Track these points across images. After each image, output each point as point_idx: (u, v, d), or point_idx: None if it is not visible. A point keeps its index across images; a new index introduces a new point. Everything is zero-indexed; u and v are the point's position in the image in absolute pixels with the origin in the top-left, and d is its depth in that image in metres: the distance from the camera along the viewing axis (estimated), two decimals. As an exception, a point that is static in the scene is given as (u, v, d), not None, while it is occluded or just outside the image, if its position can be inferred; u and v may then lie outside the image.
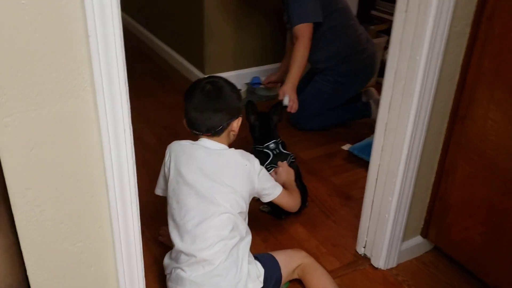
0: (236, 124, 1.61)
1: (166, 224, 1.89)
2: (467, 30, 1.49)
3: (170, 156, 1.62)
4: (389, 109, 1.58)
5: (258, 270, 1.58)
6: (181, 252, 1.52)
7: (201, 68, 3.11)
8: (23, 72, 0.91)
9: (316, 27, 2.51)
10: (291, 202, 1.78)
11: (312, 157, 2.53)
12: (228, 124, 1.58)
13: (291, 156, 2.09)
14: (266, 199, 1.69)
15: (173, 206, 1.57)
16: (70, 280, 1.17)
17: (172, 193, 1.58)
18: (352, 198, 2.20)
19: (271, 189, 1.67)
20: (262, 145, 2.10)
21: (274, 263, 1.64)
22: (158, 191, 1.73)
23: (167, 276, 1.59)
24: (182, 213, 1.53)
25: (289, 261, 1.68)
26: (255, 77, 3.14)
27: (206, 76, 1.63)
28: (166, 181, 1.64)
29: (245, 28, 3.09)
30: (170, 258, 1.61)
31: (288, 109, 2.43)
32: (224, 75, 3.11)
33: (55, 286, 1.15)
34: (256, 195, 1.67)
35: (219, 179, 1.53)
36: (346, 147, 2.60)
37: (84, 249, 1.15)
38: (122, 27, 0.98)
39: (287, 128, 2.79)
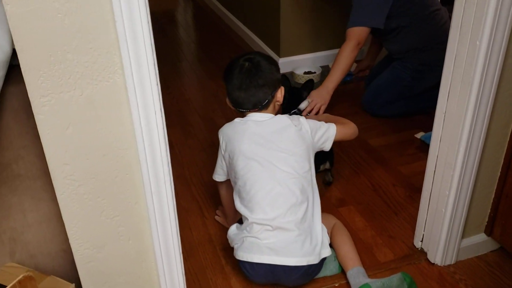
0: (279, 94, 1.65)
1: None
2: (539, 12, 1.34)
3: (223, 139, 1.66)
4: (448, 97, 1.48)
5: (328, 238, 1.62)
6: (253, 223, 1.55)
7: (277, 50, 3.11)
8: (55, 56, 0.97)
9: (389, 21, 2.37)
10: (349, 130, 1.79)
11: (383, 144, 2.44)
12: (273, 96, 1.62)
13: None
14: (327, 146, 1.69)
15: (238, 183, 1.61)
16: (110, 250, 1.25)
17: (235, 173, 1.62)
18: (418, 189, 2.08)
19: (326, 133, 1.68)
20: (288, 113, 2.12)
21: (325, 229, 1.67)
22: (216, 177, 1.78)
23: (235, 246, 1.62)
24: (248, 187, 1.58)
25: (328, 226, 1.72)
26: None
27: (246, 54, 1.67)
28: (225, 165, 1.69)
29: (321, 10, 3.03)
30: (239, 229, 1.64)
31: (303, 114, 2.22)
32: (299, 57, 3.12)
33: (95, 256, 1.24)
34: (318, 149, 1.69)
35: (275, 145, 1.57)
36: (419, 135, 2.48)
37: (122, 223, 1.22)
38: (149, 12, 1.01)
39: (360, 113, 2.73)
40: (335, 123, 1.76)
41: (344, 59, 2.33)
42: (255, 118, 1.63)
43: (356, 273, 1.60)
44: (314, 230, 1.59)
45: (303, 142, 1.61)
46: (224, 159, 1.68)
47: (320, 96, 2.28)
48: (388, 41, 2.58)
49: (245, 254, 1.57)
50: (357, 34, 2.33)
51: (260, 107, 1.61)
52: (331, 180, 2.14)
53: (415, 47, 2.50)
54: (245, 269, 1.59)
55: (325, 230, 1.64)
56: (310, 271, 1.59)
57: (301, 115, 2.09)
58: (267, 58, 1.65)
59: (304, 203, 1.57)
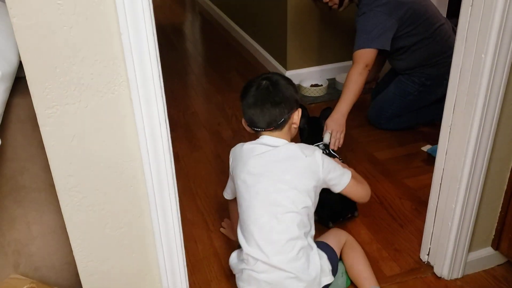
0: (296, 116, 1.58)
1: (229, 216, 1.95)
2: (545, 24, 1.34)
3: (232, 159, 1.63)
4: (454, 110, 1.48)
5: (329, 264, 1.57)
6: (249, 255, 1.51)
7: (284, 63, 3.12)
8: (60, 68, 0.98)
9: (395, 42, 2.36)
10: (362, 191, 1.66)
11: (389, 157, 2.43)
12: (289, 116, 1.55)
13: (339, 159, 1.99)
14: (336, 190, 1.60)
15: (240, 209, 1.57)
16: (114, 263, 1.25)
17: (237, 195, 1.59)
18: (424, 202, 2.05)
19: (338, 178, 1.58)
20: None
21: (331, 250, 1.62)
22: (225, 194, 1.76)
23: (237, 276, 1.60)
24: (245, 216, 1.54)
25: (339, 243, 1.68)
26: None
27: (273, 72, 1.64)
28: (233, 185, 1.65)
29: (328, 23, 3.05)
30: (239, 259, 1.60)
31: (331, 147, 2.10)
32: (306, 70, 3.13)
33: (99, 268, 1.23)
34: (325, 186, 1.60)
35: (278, 176, 1.50)
36: (425, 148, 2.46)
37: (126, 236, 1.22)
38: (154, 24, 1.02)
39: (366, 126, 2.72)
40: (334, 233, 1.72)
41: (353, 83, 2.23)
42: (266, 141, 1.55)
43: None
44: (311, 262, 1.51)
45: (309, 176, 1.52)
46: (232, 179, 1.66)
47: (337, 124, 2.15)
48: (394, 60, 2.58)
49: (244, 285, 1.55)
50: (364, 56, 2.29)
51: (275, 125, 1.53)
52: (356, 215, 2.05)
53: (421, 64, 2.49)
54: None
55: (325, 257, 1.56)
56: None
57: (329, 149, 2.04)
58: (286, 79, 1.60)
59: (300, 238, 1.49)
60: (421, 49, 2.44)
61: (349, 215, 2.01)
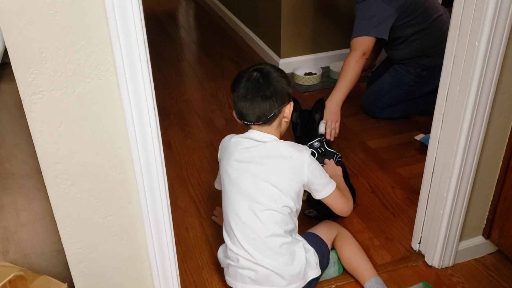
0: (288, 109, 1.53)
1: (220, 204, 1.94)
2: (538, 12, 1.33)
3: (220, 150, 1.61)
4: (446, 98, 1.47)
5: (315, 257, 1.56)
6: (232, 252, 1.51)
7: (277, 51, 3.10)
8: (46, 53, 0.96)
9: (393, 31, 2.34)
10: (343, 205, 1.59)
11: (382, 146, 2.43)
12: (279, 111, 1.50)
13: (337, 155, 1.97)
14: (316, 196, 1.55)
15: (223, 202, 1.56)
16: (103, 250, 1.24)
17: (222, 188, 1.57)
18: (417, 191, 2.06)
19: (321, 185, 1.52)
20: (305, 144, 1.93)
21: (321, 241, 1.62)
22: (216, 185, 1.73)
23: (225, 270, 1.60)
24: (227, 211, 1.52)
25: (330, 235, 1.68)
26: None
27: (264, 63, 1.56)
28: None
29: (323, 11, 3.02)
30: (225, 255, 1.58)
31: (327, 137, 2.07)
32: (300, 58, 3.11)
33: (88, 255, 1.23)
34: (307, 189, 1.56)
35: (261, 173, 1.47)
36: (419, 137, 2.46)
37: (115, 223, 1.21)
38: (142, 9, 1.00)
39: (359, 115, 2.72)
40: (325, 226, 1.71)
41: (350, 71, 2.20)
42: (254, 136, 1.51)
43: (374, 284, 1.58)
44: (296, 256, 1.49)
45: (294, 177, 1.48)
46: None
47: (331, 113, 2.10)
48: (391, 50, 2.57)
49: (230, 280, 1.55)
50: (362, 44, 2.26)
51: (264, 120, 1.48)
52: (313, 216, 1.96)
53: (418, 55, 2.48)
54: None
55: (311, 250, 1.55)
56: None
57: (327, 142, 2.01)
58: (278, 70, 1.54)
59: (281, 235, 1.47)
60: (419, 40, 2.43)
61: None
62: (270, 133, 1.52)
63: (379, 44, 2.87)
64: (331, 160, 1.89)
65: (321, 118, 2.05)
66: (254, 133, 1.52)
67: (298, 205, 1.53)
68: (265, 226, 1.45)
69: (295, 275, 1.48)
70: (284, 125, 1.57)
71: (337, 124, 2.12)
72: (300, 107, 2.06)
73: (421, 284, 1.58)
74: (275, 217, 1.46)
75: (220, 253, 1.62)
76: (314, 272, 1.55)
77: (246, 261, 1.47)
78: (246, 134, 1.54)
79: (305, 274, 1.52)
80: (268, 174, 1.47)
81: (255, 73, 1.50)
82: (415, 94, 2.58)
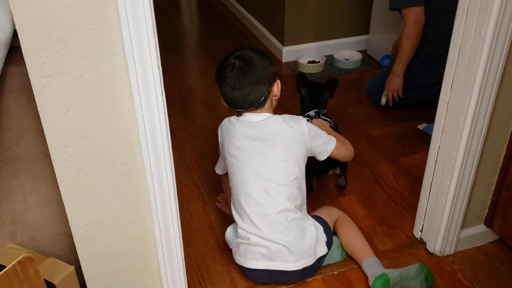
0: (276, 88, 1.57)
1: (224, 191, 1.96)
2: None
3: (220, 134, 1.64)
4: (451, 87, 1.47)
5: (324, 236, 1.60)
6: (243, 230, 1.54)
7: (281, 39, 3.10)
8: (56, 37, 0.97)
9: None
10: (346, 151, 1.68)
11: (385, 135, 2.44)
12: (269, 92, 1.54)
13: (332, 123, 1.99)
14: (321, 157, 1.62)
15: (231, 184, 1.60)
16: (110, 233, 1.25)
17: (228, 171, 1.61)
18: (419, 180, 2.07)
19: (324, 145, 1.60)
20: (304, 114, 2.05)
21: (325, 223, 1.65)
22: (216, 170, 1.78)
23: (233, 250, 1.63)
24: (236, 191, 1.56)
25: (331, 218, 1.71)
26: (385, 56, 2.97)
27: (236, 52, 1.57)
28: (223, 160, 1.67)
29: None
30: (234, 233, 1.62)
31: (390, 104, 2.49)
32: (304, 46, 3.11)
33: (95, 238, 1.24)
34: (310, 154, 1.62)
35: (266, 149, 1.52)
36: (421, 126, 2.47)
37: (122, 207, 1.22)
38: (151, -6, 1.00)
39: (362, 103, 2.72)
40: (326, 209, 1.76)
41: (404, 46, 2.38)
42: (249, 118, 1.56)
43: (372, 264, 1.60)
44: (307, 232, 1.54)
45: (298, 146, 1.54)
46: (222, 155, 1.67)
47: (389, 84, 2.47)
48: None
49: (241, 259, 1.58)
50: (410, 15, 2.33)
51: (256, 105, 1.53)
52: (344, 184, 2.06)
53: (424, 39, 2.46)
54: (244, 272, 1.60)
55: (321, 228, 1.60)
56: (308, 271, 1.57)
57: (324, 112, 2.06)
58: (259, 53, 1.56)
59: (291, 210, 1.52)
60: (429, 24, 2.40)
61: (330, 173, 2.03)
62: (264, 112, 1.57)
63: None
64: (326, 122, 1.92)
65: (331, 96, 2.13)
66: (248, 116, 1.57)
67: (302, 173, 1.59)
68: (276, 201, 1.51)
69: (306, 250, 1.52)
70: (274, 102, 1.62)
71: (397, 93, 2.48)
72: (308, 81, 2.11)
73: (417, 264, 1.59)
74: (285, 192, 1.51)
75: (229, 233, 1.65)
76: (323, 249, 1.59)
77: (257, 238, 1.51)
78: (241, 117, 1.58)
79: (315, 251, 1.56)
80: (274, 149, 1.52)
81: (237, 61, 1.51)
82: (418, 83, 2.57)
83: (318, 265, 1.60)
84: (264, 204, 1.51)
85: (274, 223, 1.50)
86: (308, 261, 1.54)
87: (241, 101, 1.53)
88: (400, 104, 2.61)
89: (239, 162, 1.55)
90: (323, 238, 1.59)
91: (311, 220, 1.59)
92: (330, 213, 1.74)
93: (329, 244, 1.62)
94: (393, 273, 1.54)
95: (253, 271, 1.57)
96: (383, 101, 2.51)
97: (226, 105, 1.61)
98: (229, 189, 1.70)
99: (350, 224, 1.73)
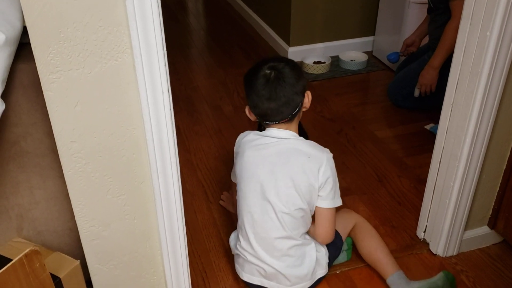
0: (307, 99, 1.49)
1: (228, 189, 1.97)
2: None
3: (236, 145, 1.58)
4: (456, 88, 1.48)
5: (326, 258, 1.57)
6: (241, 246, 1.54)
7: (287, 39, 3.11)
8: (65, 33, 0.98)
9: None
10: (331, 229, 1.51)
11: (389, 136, 2.45)
12: (302, 104, 1.48)
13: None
14: (319, 204, 1.47)
15: (237, 195, 1.55)
16: (115, 229, 1.26)
17: (237, 182, 1.55)
18: (423, 181, 2.08)
19: (331, 193, 1.46)
20: None
21: (336, 235, 1.60)
22: (233, 178, 1.66)
23: (235, 257, 1.63)
24: (239, 205, 1.53)
25: (346, 227, 1.67)
26: (392, 53, 2.82)
27: (271, 58, 1.50)
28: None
29: (333, 0, 3.02)
30: (236, 243, 1.59)
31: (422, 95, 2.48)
32: (309, 47, 3.12)
33: (100, 233, 1.25)
34: (312, 205, 1.48)
35: (278, 170, 1.44)
36: (428, 126, 2.48)
37: (127, 202, 1.23)
38: (159, -8, 1.01)
39: (368, 104, 2.73)
40: (342, 218, 1.66)
41: (447, 40, 2.30)
42: (274, 134, 1.47)
43: (397, 279, 1.57)
44: (306, 257, 1.51)
45: (308, 176, 1.43)
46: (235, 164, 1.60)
47: (423, 77, 2.43)
48: (430, 21, 2.52)
49: (239, 268, 1.59)
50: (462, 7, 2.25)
51: (290, 117, 1.45)
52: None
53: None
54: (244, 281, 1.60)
55: (323, 251, 1.55)
56: None
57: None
58: (290, 63, 1.48)
59: (291, 238, 1.47)
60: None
61: None
62: (290, 129, 1.48)
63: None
64: None
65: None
66: (274, 131, 1.48)
67: (312, 208, 1.48)
68: (275, 226, 1.45)
69: (302, 277, 1.51)
70: (301, 114, 1.53)
71: (433, 86, 2.42)
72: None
73: (441, 273, 1.58)
74: (286, 220, 1.45)
75: (232, 240, 1.64)
76: (322, 271, 1.57)
77: (254, 258, 1.51)
78: (265, 132, 1.50)
79: (313, 274, 1.54)
80: (285, 170, 1.43)
81: (272, 73, 1.44)
82: (438, 86, 2.54)
83: (315, 284, 1.59)
84: (264, 227, 1.46)
85: (271, 248, 1.47)
86: (306, 285, 1.53)
87: (275, 112, 1.44)
88: (417, 106, 2.58)
89: (247, 178, 1.48)
90: (324, 260, 1.56)
91: (313, 244, 1.53)
92: (346, 221, 1.68)
93: (336, 256, 1.61)
94: (422, 286, 1.52)
95: (249, 283, 1.58)
96: (416, 93, 2.48)
97: (253, 118, 1.52)
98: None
99: (371, 233, 1.67)
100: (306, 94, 1.49)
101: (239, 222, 1.55)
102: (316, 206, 1.48)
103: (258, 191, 1.46)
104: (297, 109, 1.46)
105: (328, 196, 1.46)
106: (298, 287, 1.53)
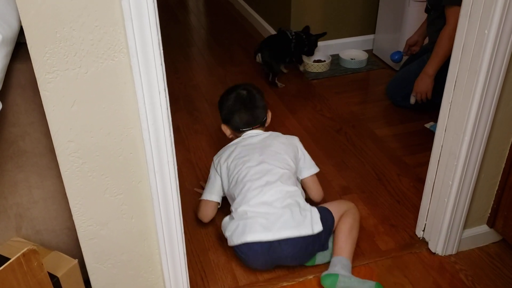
0: (269, 118, 1.95)
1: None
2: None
3: (218, 157, 1.84)
4: (455, 86, 1.48)
5: (318, 214, 1.64)
6: (243, 209, 1.64)
7: (287, 38, 3.10)
8: (61, 33, 0.98)
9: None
10: (320, 189, 1.87)
11: (389, 134, 2.45)
12: (266, 119, 1.93)
13: None
14: (303, 174, 1.83)
15: (236, 189, 1.71)
16: (113, 228, 1.26)
17: (233, 181, 1.73)
18: (422, 180, 2.08)
19: (309, 163, 1.86)
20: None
21: (327, 211, 1.68)
22: (213, 197, 1.83)
23: (229, 234, 1.65)
24: (244, 187, 1.68)
25: (340, 209, 1.73)
26: (395, 52, 2.81)
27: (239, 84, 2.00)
28: (219, 186, 1.81)
29: (334, -2, 3.02)
30: (230, 220, 1.68)
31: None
32: (309, 45, 3.09)
33: (98, 233, 1.25)
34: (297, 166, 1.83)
35: (266, 148, 1.78)
36: (429, 125, 2.47)
37: (125, 201, 1.24)
38: (155, -8, 1.01)
39: (367, 103, 2.73)
40: (339, 202, 1.83)
41: (442, 47, 2.29)
42: (252, 133, 1.87)
43: (341, 262, 1.61)
44: (301, 203, 1.65)
45: (290, 149, 1.81)
46: (221, 178, 1.80)
47: (418, 85, 2.42)
48: (429, 23, 2.52)
49: (239, 237, 1.60)
50: (454, 15, 2.18)
51: (260, 122, 1.89)
52: (302, 70, 2.86)
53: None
54: (243, 253, 1.61)
55: (315, 210, 1.65)
56: (305, 246, 1.59)
57: None
58: (255, 88, 1.96)
59: (289, 185, 1.69)
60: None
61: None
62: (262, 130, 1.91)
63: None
64: None
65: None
66: (252, 132, 1.88)
67: (298, 172, 1.83)
68: (276, 190, 1.65)
69: (302, 219, 1.60)
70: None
71: (429, 94, 2.41)
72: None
73: (375, 283, 1.56)
74: (284, 174, 1.71)
75: (227, 219, 1.70)
76: (317, 226, 1.61)
77: (256, 211, 1.62)
78: (244, 135, 1.88)
79: (312, 223, 1.60)
80: (272, 146, 1.79)
81: (244, 92, 1.90)
82: (436, 87, 2.54)
83: (316, 245, 1.62)
84: (265, 173, 1.69)
85: (272, 197, 1.64)
86: (306, 231, 1.58)
87: (251, 119, 1.87)
88: (418, 106, 2.57)
89: (243, 163, 1.74)
90: (316, 216, 1.63)
91: (308, 206, 1.67)
92: (341, 204, 1.77)
93: (328, 230, 1.64)
94: (344, 278, 1.55)
95: (252, 247, 1.58)
96: (412, 101, 2.49)
97: (228, 133, 1.94)
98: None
99: (355, 217, 1.72)
100: (268, 113, 1.94)
101: (236, 191, 1.70)
102: (304, 178, 1.84)
103: (255, 162, 1.73)
104: (264, 118, 1.91)
105: (310, 164, 1.85)
106: (298, 231, 1.58)
